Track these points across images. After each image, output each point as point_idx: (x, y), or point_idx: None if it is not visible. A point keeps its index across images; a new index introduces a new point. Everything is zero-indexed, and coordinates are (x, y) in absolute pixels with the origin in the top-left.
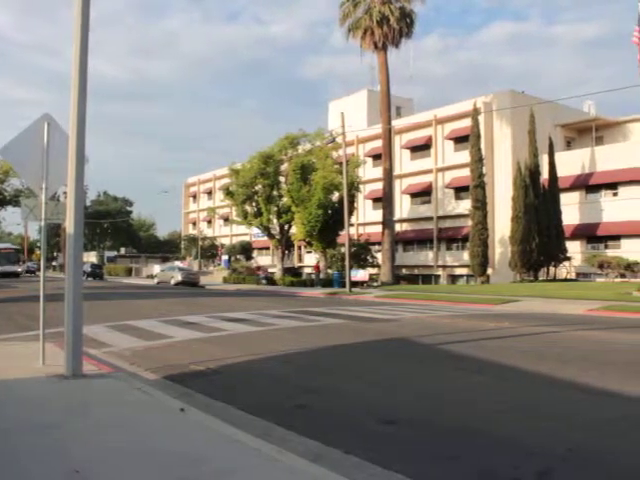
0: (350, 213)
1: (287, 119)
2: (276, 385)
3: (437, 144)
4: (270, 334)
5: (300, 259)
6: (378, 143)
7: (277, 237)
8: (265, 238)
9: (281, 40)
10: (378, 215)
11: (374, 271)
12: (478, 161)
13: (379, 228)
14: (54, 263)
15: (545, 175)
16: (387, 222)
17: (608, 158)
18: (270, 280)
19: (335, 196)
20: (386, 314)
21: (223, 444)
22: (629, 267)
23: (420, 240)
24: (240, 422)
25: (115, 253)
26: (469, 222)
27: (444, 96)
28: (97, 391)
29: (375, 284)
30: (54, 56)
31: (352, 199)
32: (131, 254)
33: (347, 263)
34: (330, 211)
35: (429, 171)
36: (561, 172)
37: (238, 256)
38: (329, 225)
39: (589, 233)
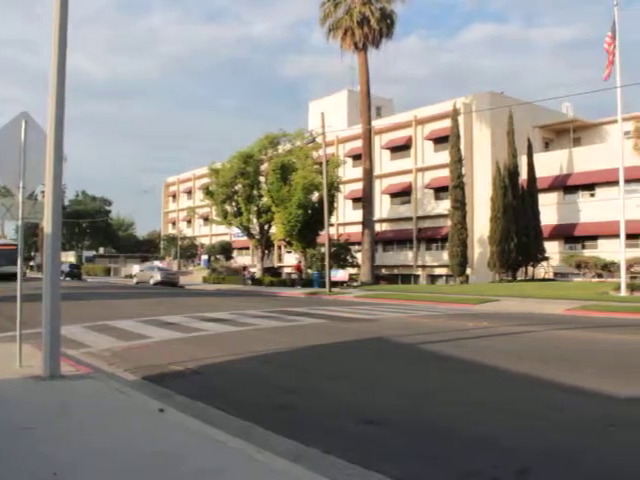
0: (330, 213)
1: (267, 119)
2: (256, 385)
3: (417, 144)
4: (250, 334)
5: (280, 259)
6: (358, 143)
7: (257, 237)
8: (245, 238)
9: (262, 39)
10: (358, 215)
11: (354, 271)
12: (457, 161)
13: (359, 228)
14: (31, 263)
15: (524, 176)
16: (367, 222)
17: (585, 159)
18: (256, 280)
19: (315, 196)
20: (366, 314)
21: (202, 444)
22: (606, 267)
23: (400, 240)
24: (219, 422)
25: (94, 253)
26: (448, 222)
27: (424, 97)
28: (75, 392)
29: (355, 284)
30: (33, 53)
31: (332, 199)
32: (110, 254)
33: (327, 263)
34: (310, 211)
35: (409, 171)
36: (539, 173)
37: (218, 256)
38: (309, 225)
39: (567, 233)
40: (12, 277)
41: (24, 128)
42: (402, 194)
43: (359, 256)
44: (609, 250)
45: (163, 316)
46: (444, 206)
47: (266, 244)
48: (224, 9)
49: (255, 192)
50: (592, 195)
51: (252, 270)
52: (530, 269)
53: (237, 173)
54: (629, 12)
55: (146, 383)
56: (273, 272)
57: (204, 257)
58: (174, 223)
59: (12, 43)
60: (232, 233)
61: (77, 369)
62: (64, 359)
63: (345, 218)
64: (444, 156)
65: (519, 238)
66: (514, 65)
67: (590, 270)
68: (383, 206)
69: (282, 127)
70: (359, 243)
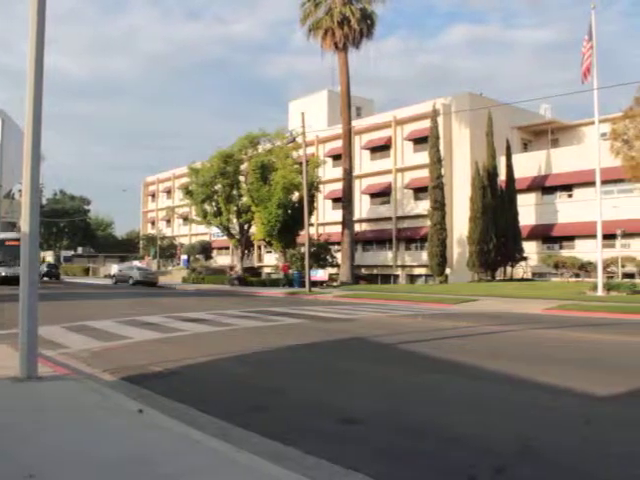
0: (310, 213)
1: (248, 118)
2: (235, 385)
3: (397, 145)
4: (229, 334)
5: (260, 259)
6: (338, 143)
7: (237, 237)
8: (225, 238)
9: (242, 39)
10: (338, 215)
11: (334, 271)
12: (437, 162)
13: (339, 228)
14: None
15: (503, 176)
16: (347, 222)
17: (563, 160)
18: (242, 280)
19: (295, 196)
20: (345, 314)
21: (181, 445)
22: (583, 267)
23: (379, 240)
24: (199, 423)
25: (72, 253)
26: (428, 222)
27: (404, 97)
28: (52, 393)
29: (334, 284)
30: (8, 51)
31: (312, 199)
32: (88, 254)
33: (307, 263)
34: (290, 211)
35: (388, 171)
36: (518, 174)
37: (197, 256)
38: (289, 225)
39: (545, 234)
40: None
41: (1, 127)
42: (382, 194)
43: (339, 256)
44: (586, 250)
45: (142, 316)
46: (423, 206)
47: (246, 244)
48: (204, 8)
49: (235, 192)
50: (570, 196)
51: (239, 271)
52: (509, 269)
53: (217, 173)
54: (606, 16)
55: (125, 384)
56: (253, 272)
57: (183, 257)
58: (153, 223)
59: None
60: (212, 233)
61: (55, 370)
62: (41, 360)
63: (325, 218)
64: (423, 156)
65: (498, 238)
66: (493, 66)
67: (568, 270)
68: (363, 206)
69: (262, 127)
70: (339, 243)
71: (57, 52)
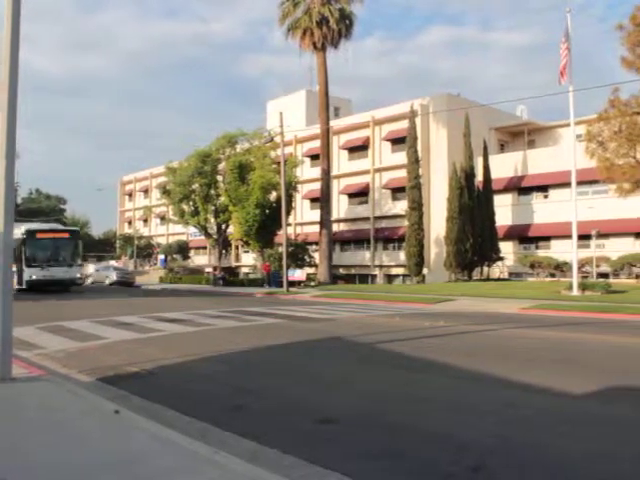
0: (288, 213)
1: (226, 117)
2: (212, 386)
3: (374, 145)
4: (207, 334)
5: (237, 258)
6: (316, 143)
7: (214, 236)
8: (202, 237)
9: (221, 38)
10: (316, 215)
11: (311, 271)
12: (414, 162)
13: (317, 228)
14: None
15: (480, 177)
16: (324, 222)
17: (539, 161)
18: (227, 280)
19: (273, 196)
20: (323, 313)
21: (158, 446)
22: (558, 267)
23: (357, 240)
24: (176, 423)
25: None
26: (405, 222)
27: (383, 98)
28: (26, 395)
29: (312, 284)
30: None
31: (290, 199)
32: None
33: (284, 263)
34: (268, 211)
35: (366, 172)
36: (495, 174)
37: (175, 255)
38: (267, 225)
39: (521, 234)
40: (66, 284)
41: None
42: (360, 194)
43: (317, 256)
44: (561, 250)
45: (119, 316)
46: (401, 206)
47: (223, 244)
48: (183, 6)
49: (213, 191)
50: (546, 196)
51: (207, 270)
52: (485, 269)
53: (194, 172)
54: (581, 20)
55: (101, 384)
56: (231, 272)
57: (161, 257)
58: (130, 222)
59: None
60: (189, 232)
61: (30, 371)
62: (16, 361)
63: (303, 218)
64: (401, 157)
65: (475, 238)
66: (471, 67)
67: (543, 270)
68: (341, 206)
69: (240, 126)
70: (317, 243)
71: (32, 49)
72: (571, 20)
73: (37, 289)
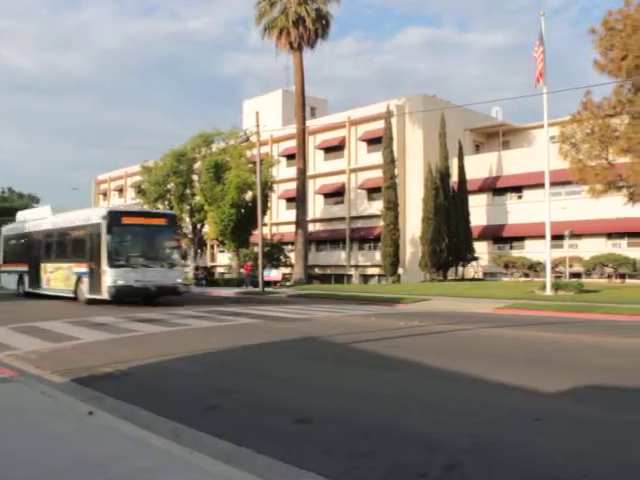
0: (263, 212)
1: (203, 117)
2: (187, 386)
3: (350, 145)
4: (182, 334)
5: (213, 258)
6: (292, 143)
7: (189, 236)
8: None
9: (198, 36)
10: (291, 215)
11: (287, 271)
12: (390, 163)
13: (292, 228)
14: None
15: (455, 177)
16: (300, 222)
17: (514, 162)
18: (210, 281)
19: (248, 195)
20: (298, 313)
21: (133, 447)
22: (532, 267)
23: (333, 240)
24: (151, 424)
25: None
26: (381, 222)
27: (359, 98)
28: None
29: (288, 283)
30: None
31: (266, 199)
32: None
33: (260, 262)
34: (243, 210)
35: (342, 172)
36: (470, 175)
37: None
38: (242, 224)
39: (496, 234)
40: (167, 292)
41: None
42: (335, 194)
43: (292, 256)
44: (535, 250)
45: (93, 317)
46: (377, 206)
47: (199, 243)
48: (160, 4)
49: (188, 191)
50: (520, 197)
51: (220, 270)
52: (460, 269)
53: (170, 171)
54: (555, 23)
55: (75, 385)
56: (206, 272)
57: None
58: None
59: None
60: None
61: (1, 372)
62: None
63: (279, 218)
64: (377, 157)
65: (450, 238)
66: (447, 68)
67: (517, 270)
68: (316, 206)
69: (217, 126)
70: (292, 243)
71: (8, 46)
72: (545, 23)
73: (126, 299)
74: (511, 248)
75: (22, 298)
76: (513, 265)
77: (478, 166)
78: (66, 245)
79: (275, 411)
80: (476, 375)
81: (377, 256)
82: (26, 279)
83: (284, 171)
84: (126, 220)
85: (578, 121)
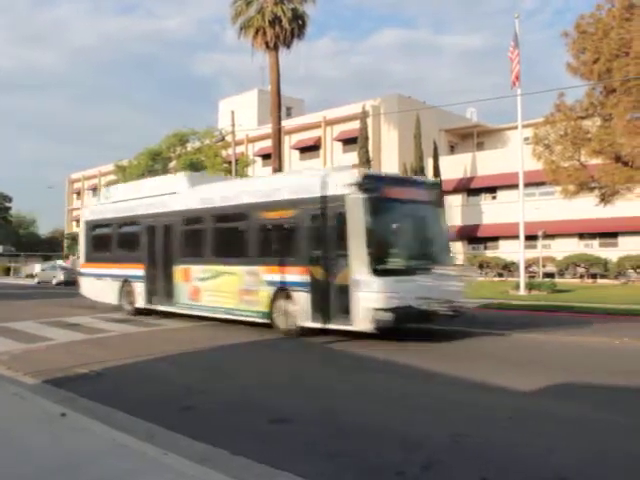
0: None
1: (178, 116)
2: (163, 387)
3: (326, 145)
4: (157, 335)
5: None
6: (268, 143)
7: None
8: None
9: (173, 35)
10: None
11: None
12: (366, 163)
13: None
14: None
15: (430, 178)
16: None
17: (488, 163)
18: None
19: None
20: None
21: (107, 449)
22: (506, 267)
23: None
24: (125, 425)
25: None
26: None
27: (335, 98)
28: None
29: None
30: None
31: None
32: (9, 253)
33: None
34: None
35: None
36: (445, 175)
37: None
38: None
39: (470, 234)
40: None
41: None
42: None
43: None
44: (509, 250)
45: (66, 317)
46: None
47: None
48: (136, 3)
49: None
50: (494, 198)
51: None
52: None
53: (144, 171)
54: (529, 26)
55: (47, 387)
56: None
57: None
58: (78, 221)
59: None
60: None
61: None
62: None
63: None
64: (353, 157)
65: None
66: (423, 70)
67: (492, 270)
68: None
69: (192, 125)
70: None
71: None
72: (519, 26)
73: (401, 329)
74: (485, 248)
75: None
76: (487, 265)
77: (453, 166)
78: (243, 235)
79: (251, 411)
80: (454, 374)
81: None
82: (139, 288)
83: (260, 171)
84: (390, 192)
85: (551, 123)
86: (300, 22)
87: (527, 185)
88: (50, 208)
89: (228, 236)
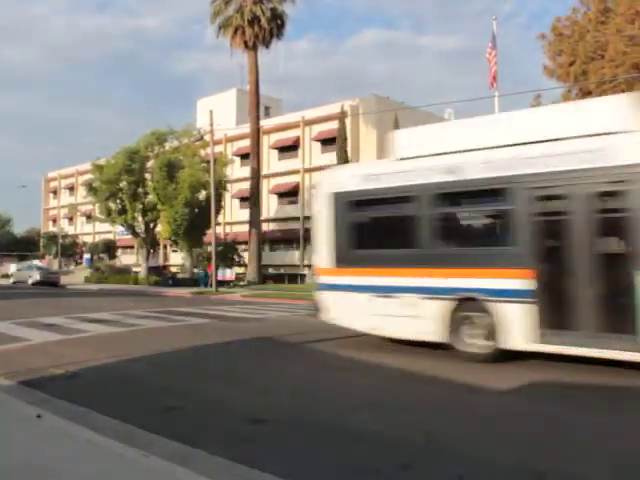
0: (217, 212)
1: (157, 114)
2: (139, 387)
3: (305, 145)
4: (134, 335)
5: (166, 258)
6: (246, 142)
7: (142, 235)
8: (130, 236)
9: (153, 33)
10: (245, 214)
11: (241, 270)
12: (344, 163)
13: (246, 227)
14: None
15: None
16: (254, 221)
17: None
18: (177, 281)
19: (202, 194)
20: (252, 313)
21: (84, 451)
22: None
23: (287, 240)
24: (103, 427)
25: None
26: None
27: (315, 98)
28: None
29: (242, 283)
30: None
31: (219, 198)
32: None
33: (214, 262)
34: (197, 210)
35: (296, 171)
36: None
37: (101, 255)
38: (196, 224)
39: None
40: None
41: None
42: (289, 194)
43: (246, 255)
44: None
45: (42, 317)
46: None
47: (152, 243)
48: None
49: (140, 189)
50: None
51: (134, 270)
52: None
53: (122, 170)
54: (507, 28)
55: (23, 388)
56: (159, 272)
57: (86, 256)
58: (55, 220)
59: None
60: (116, 231)
61: None
62: None
63: (232, 217)
64: (331, 157)
65: None
66: (402, 70)
67: None
68: (271, 206)
69: (170, 124)
70: (246, 242)
71: None
72: (497, 27)
73: None
74: None
75: None
76: None
77: None
78: None
79: (230, 412)
80: (429, 373)
81: None
82: (512, 313)
83: (238, 170)
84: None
85: None
86: (279, 22)
87: None
88: (26, 207)
89: None
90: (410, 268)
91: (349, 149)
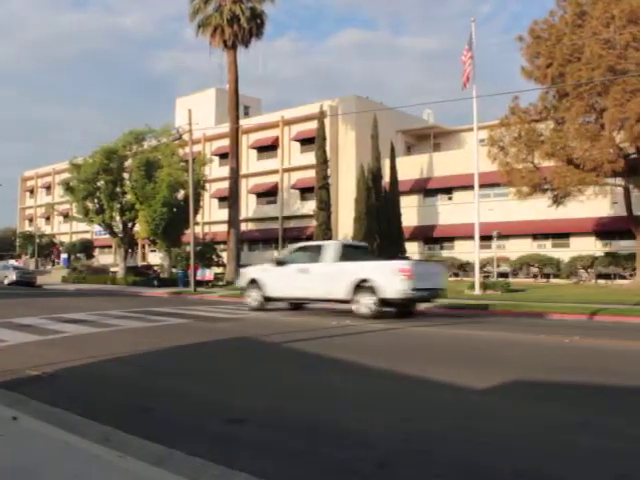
0: (196, 212)
1: (135, 114)
2: (117, 388)
3: (284, 145)
4: (112, 335)
5: (144, 258)
6: (225, 142)
7: (120, 235)
8: (107, 236)
9: (131, 32)
10: (224, 214)
11: (220, 270)
12: (323, 163)
13: (225, 227)
14: None
15: (387, 178)
16: (233, 221)
17: (444, 164)
18: (162, 280)
19: (181, 194)
20: (231, 313)
21: (60, 452)
22: (462, 267)
23: (265, 240)
24: (79, 428)
25: None
26: (314, 222)
27: (294, 98)
28: None
29: (220, 283)
30: None
31: (198, 197)
32: None
33: (192, 262)
34: (175, 209)
35: (275, 171)
36: (402, 176)
37: (79, 254)
38: (174, 223)
39: (426, 234)
40: None
41: None
42: (268, 194)
43: (225, 255)
44: (464, 251)
45: (18, 318)
46: (310, 206)
47: (130, 243)
48: None
49: (119, 189)
50: (450, 198)
51: (112, 270)
52: None
53: (100, 169)
54: (486, 30)
55: None
56: (137, 271)
57: (64, 256)
58: (31, 220)
59: None
60: (94, 231)
61: None
62: None
63: (211, 217)
64: (310, 157)
65: (382, 238)
66: (381, 71)
67: (448, 270)
68: (249, 205)
69: (149, 123)
70: (225, 242)
71: None
72: (475, 30)
73: None
74: (441, 248)
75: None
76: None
77: (410, 167)
78: None
79: (209, 412)
80: (409, 373)
81: None
82: None
83: (217, 170)
84: None
85: (506, 125)
86: (259, 21)
87: (482, 186)
88: (1, 206)
89: None
90: None
91: (328, 149)
